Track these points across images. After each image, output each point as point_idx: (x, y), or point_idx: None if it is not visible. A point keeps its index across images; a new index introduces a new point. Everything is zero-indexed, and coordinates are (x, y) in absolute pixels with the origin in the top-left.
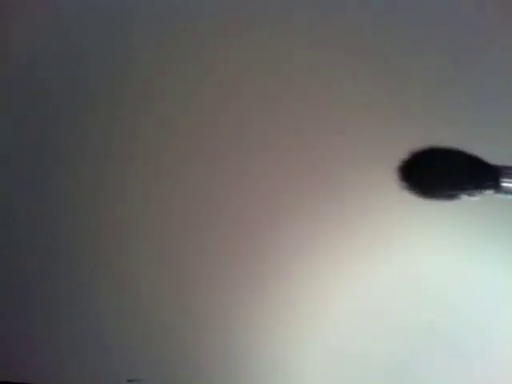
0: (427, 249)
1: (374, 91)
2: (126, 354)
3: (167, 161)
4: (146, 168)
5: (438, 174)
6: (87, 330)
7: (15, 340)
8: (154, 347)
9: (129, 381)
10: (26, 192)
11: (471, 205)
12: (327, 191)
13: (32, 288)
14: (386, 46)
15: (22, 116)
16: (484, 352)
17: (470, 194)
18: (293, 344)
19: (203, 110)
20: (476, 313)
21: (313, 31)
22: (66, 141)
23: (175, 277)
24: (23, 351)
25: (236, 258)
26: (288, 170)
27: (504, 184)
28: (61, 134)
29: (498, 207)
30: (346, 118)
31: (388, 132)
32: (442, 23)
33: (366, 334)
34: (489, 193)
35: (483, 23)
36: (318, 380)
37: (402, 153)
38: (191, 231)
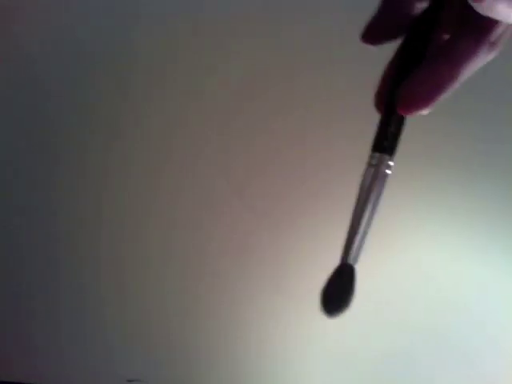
0: (430, 249)
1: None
2: (127, 354)
3: (169, 161)
4: (148, 168)
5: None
6: (87, 331)
7: (15, 340)
8: (154, 347)
9: (129, 381)
10: (27, 193)
11: (475, 206)
12: (329, 192)
13: (32, 289)
14: (388, 49)
15: (22, 116)
16: (485, 351)
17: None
18: (294, 344)
19: (205, 113)
20: (478, 312)
21: (316, 35)
22: (66, 141)
23: (176, 277)
24: (23, 351)
25: (237, 260)
26: (290, 171)
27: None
28: (61, 134)
29: (501, 209)
30: (347, 122)
31: None
32: None
33: (368, 332)
34: None
35: None
36: (320, 378)
37: (402, 155)
38: (192, 234)
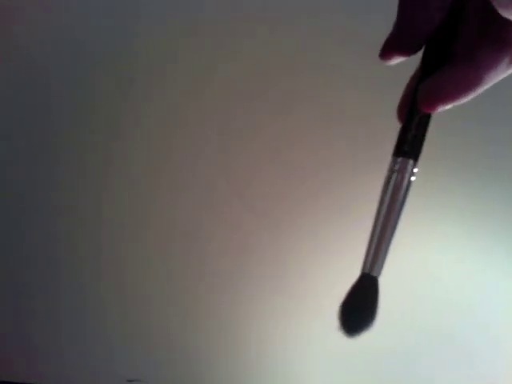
0: (437, 250)
1: (374, 97)
2: (127, 354)
3: (169, 161)
4: (148, 168)
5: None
6: (87, 331)
7: (15, 340)
8: (154, 347)
9: (129, 381)
10: (27, 193)
11: (482, 208)
12: (329, 192)
13: (32, 289)
14: None
15: (22, 116)
16: (487, 351)
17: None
18: (294, 344)
19: (205, 113)
20: (481, 313)
21: (317, 36)
22: (66, 141)
23: (176, 277)
24: (23, 351)
25: (237, 260)
26: (290, 171)
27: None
28: (61, 134)
29: (508, 211)
30: (347, 122)
31: (390, 135)
32: None
33: (368, 332)
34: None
35: None
36: (320, 378)
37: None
38: (192, 234)
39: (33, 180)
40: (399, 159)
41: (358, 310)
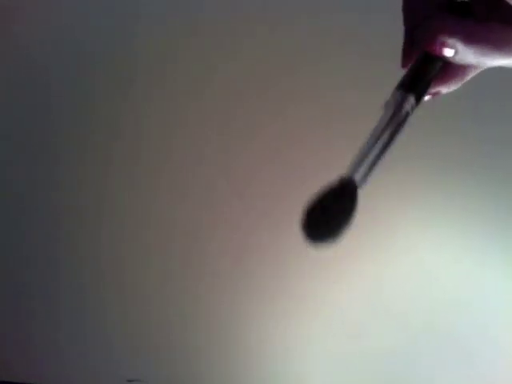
0: (433, 250)
1: (374, 97)
2: (126, 354)
3: (169, 161)
4: (148, 168)
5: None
6: (87, 331)
7: (15, 340)
8: (154, 347)
9: (129, 381)
10: (27, 193)
11: (478, 207)
12: None
13: (32, 289)
14: (389, 51)
15: (22, 116)
16: (486, 351)
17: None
18: (294, 344)
19: (205, 113)
20: (479, 313)
21: (317, 37)
22: (66, 141)
23: (176, 277)
24: (23, 351)
25: (237, 260)
26: (290, 171)
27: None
28: (61, 134)
29: (504, 211)
30: (347, 122)
31: None
32: None
33: (368, 332)
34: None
35: None
36: (320, 378)
37: (401, 155)
38: (192, 234)
39: (33, 180)
40: (401, 92)
41: (328, 214)
